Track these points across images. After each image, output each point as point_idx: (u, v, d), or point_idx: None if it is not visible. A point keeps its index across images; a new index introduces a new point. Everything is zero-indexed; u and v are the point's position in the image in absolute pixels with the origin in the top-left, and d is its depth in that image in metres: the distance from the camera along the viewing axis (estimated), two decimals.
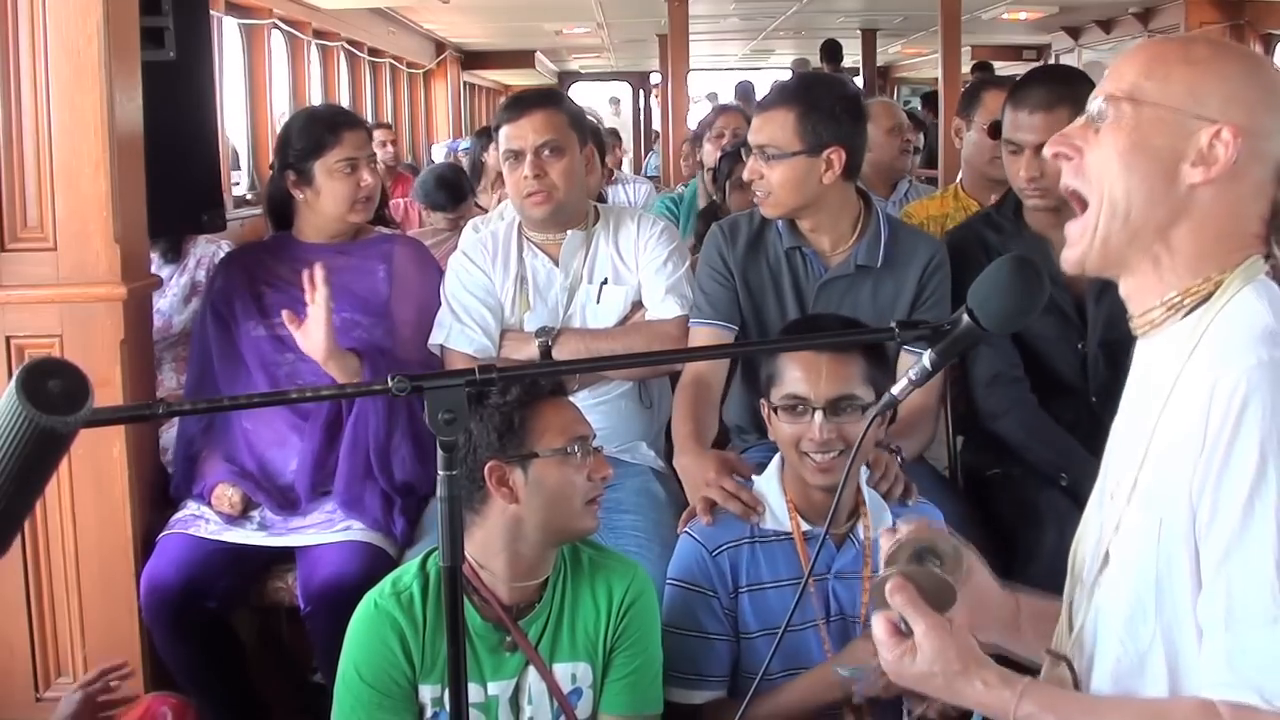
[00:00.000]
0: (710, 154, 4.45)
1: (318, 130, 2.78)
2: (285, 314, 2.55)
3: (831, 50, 10.02)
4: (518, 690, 1.95)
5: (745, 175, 2.59)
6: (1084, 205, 1.30)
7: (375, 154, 2.88)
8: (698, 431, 2.48)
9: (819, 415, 2.03)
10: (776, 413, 2.09)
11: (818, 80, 2.87)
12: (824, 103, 2.54)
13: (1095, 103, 1.30)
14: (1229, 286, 1.24)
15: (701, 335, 2.62)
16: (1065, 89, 2.62)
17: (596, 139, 2.97)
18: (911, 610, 1.29)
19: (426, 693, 1.92)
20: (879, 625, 1.31)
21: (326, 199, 2.78)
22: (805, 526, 2.13)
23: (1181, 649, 1.21)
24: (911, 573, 1.33)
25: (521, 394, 1.92)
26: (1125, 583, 1.25)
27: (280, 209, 2.90)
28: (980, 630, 1.47)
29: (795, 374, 2.06)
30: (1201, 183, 1.23)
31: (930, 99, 10.24)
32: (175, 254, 3.16)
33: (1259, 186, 1.25)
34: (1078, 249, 1.31)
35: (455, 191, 4.87)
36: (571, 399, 2.67)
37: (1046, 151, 1.34)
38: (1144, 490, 1.24)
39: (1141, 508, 1.24)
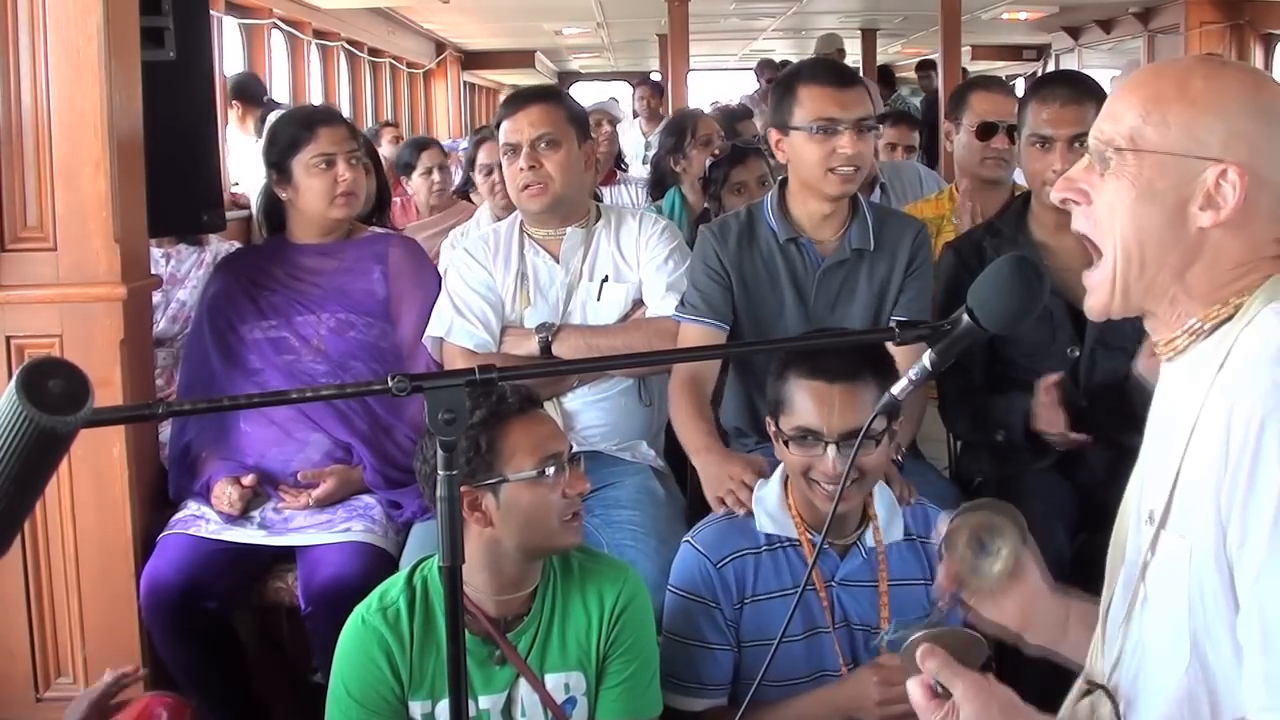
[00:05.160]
0: (697, 161, 4.37)
1: (293, 128, 2.81)
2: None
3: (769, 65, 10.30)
4: (509, 703, 1.94)
5: (850, 149, 2.48)
6: (1097, 250, 1.30)
7: (357, 150, 2.86)
8: (711, 430, 2.50)
9: (832, 449, 1.99)
10: (787, 443, 2.06)
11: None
12: None
13: (1094, 142, 1.30)
14: (1249, 308, 1.25)
15: (693, 332, 2.61)
16: (1086, 88, 2.70)
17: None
18: (947, 673, 1.28)
19: (416, 709, 1.91)
20: (915, 691, 1.30)
21: (306, 196, 2.79)
22: (812, 536, 2.11)
23: (1218, 673, 1.21)
24: (935, 635, 1.33)
25: (487, 415, 1.86)
26: (1164, 612, 1.25)
27: (272, 212, 2.91)
28: (1029, 632, 1.47)
29: (807, 405, 2.01)
30: (1212, 225, 1.24)
31: (926, 65, 10.25)
32: (195, 239, 3.25)
33: (1271, 213, 1.25)
34: (1101, 299, 1.31)
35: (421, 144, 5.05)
36: (565, 399, 2.69)
37: (1054, 197, 1.34)
38: (1176, 516, 1.25)
39: (1175, 534, 1.24)
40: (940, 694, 1.29)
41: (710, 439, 2.46)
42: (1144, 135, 1.25)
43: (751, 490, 2.21)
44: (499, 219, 3.74)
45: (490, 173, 3.98)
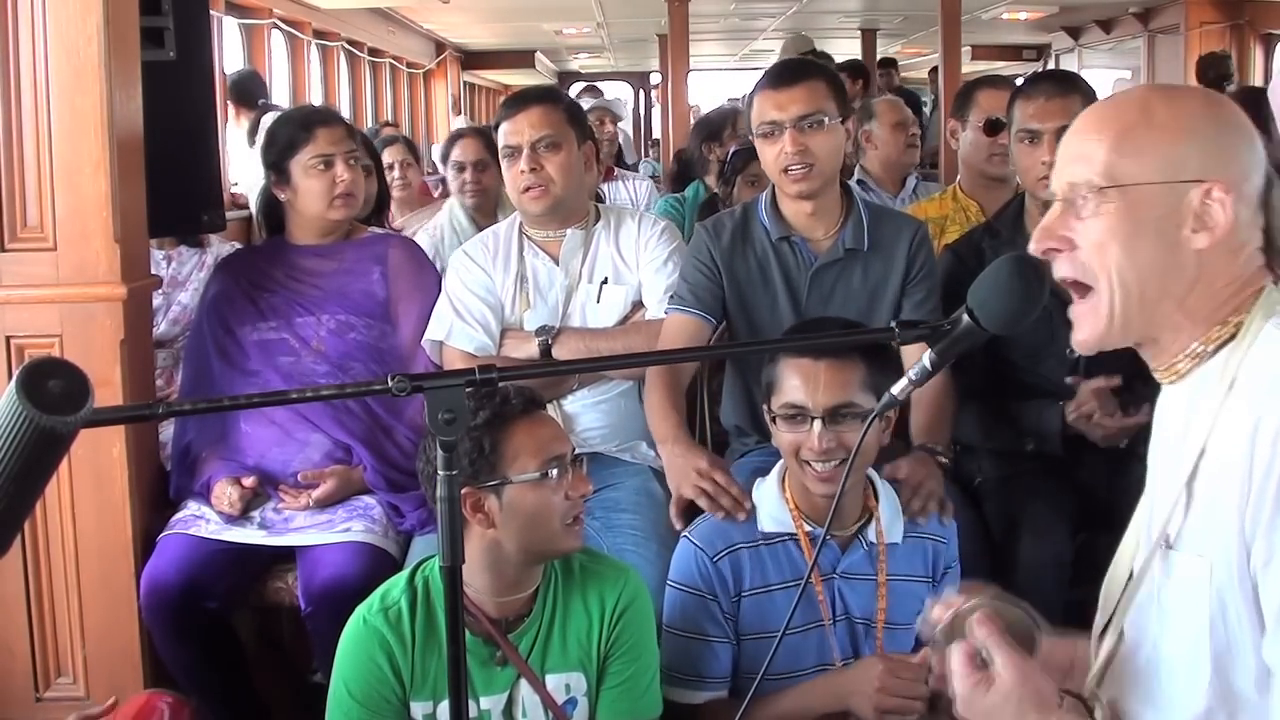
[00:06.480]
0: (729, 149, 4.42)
1: (291, 129, 2.81)
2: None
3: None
4: (510, 703, 1.94)
5: (791, 147, 2.47)
6: (1083, 290, 1.29)
7: (356, 150, 2.85)
8: (681, 423, 2.48)
9: (818, 424, 2.01)
10: (776, 421, 2.08)
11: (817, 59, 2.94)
12: (833, 76, 2.61)
13: (1064, 188, 1.29)
14: (1250, 325, 1.25)
15: (678, 322, 2.59)
16: (1070, 83, 2.76)
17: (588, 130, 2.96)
18: (996, 641, 1.26)
19: (418, 710, 1.91)
20: (957, 655, 1.28)
21: (305, 197, 2.79)
22: (809, 528, 2.12)
23: (1240, 692, 1.20)
24: (1000, 609, 1.31)
25: (490, 416, 1.86)
26: (1183, 631, 1.25)
27: (272, 213, 2.91)
28: None
29: (793, 382, 2.04)
30: (1208, 246, 1.24)
31: (887, 62, 10.17)
32: (196, 241, 3.25)
33: (1249, 223, 1.26)
34: (1094, 332, 1.30)
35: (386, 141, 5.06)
36: (565, 401, 2.69)
37: (1034, 248, 1.32)
38: (1191, 536, 1.24)
39: (1190, 553, 1.24)
40: (981, 664, 1.27)
41: (678, 430, 2.44)
42: (1122, 169, 1.25)
43: (723, 485, 2.20)
44: (473, 217, 3.81)
45: (463, 169, 4.01)
